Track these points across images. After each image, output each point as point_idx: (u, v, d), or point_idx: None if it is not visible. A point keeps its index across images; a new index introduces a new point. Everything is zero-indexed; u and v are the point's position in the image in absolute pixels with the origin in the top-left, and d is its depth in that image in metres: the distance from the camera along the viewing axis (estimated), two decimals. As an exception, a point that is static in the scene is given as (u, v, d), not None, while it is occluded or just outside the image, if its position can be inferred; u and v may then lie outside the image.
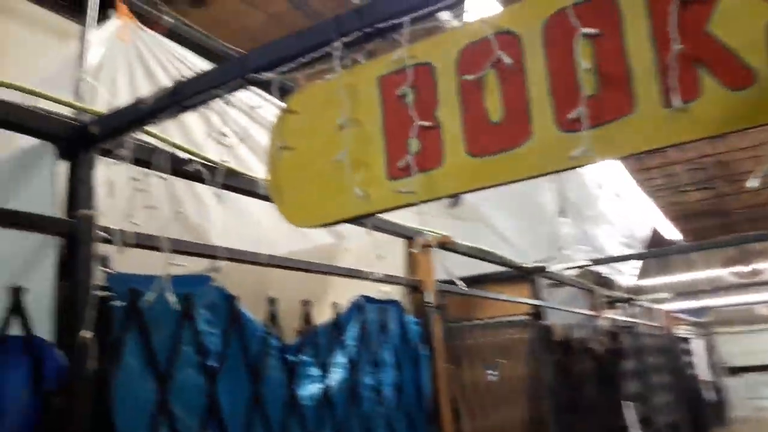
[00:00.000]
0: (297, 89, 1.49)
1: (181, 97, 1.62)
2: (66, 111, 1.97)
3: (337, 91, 1.40)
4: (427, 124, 1.32)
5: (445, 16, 1.35)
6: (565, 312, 5.08)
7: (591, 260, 4.94)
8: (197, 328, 1.95)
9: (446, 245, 3.26)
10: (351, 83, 1.41)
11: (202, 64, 2.98)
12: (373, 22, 1.34)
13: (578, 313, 5.48)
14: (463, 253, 3.52)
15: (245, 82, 1.51)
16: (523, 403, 4.16)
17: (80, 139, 1.78)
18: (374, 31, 1.35)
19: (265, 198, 2.24)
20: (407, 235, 3.09)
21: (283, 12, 7.06)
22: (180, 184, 2.60)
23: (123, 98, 2.47)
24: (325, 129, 1.43)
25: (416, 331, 2.94)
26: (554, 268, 4.66)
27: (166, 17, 5.62)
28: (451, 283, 3.35)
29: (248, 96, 2.41)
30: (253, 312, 2.19)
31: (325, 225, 1.45)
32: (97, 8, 2.38)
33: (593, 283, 6.03)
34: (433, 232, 3.23)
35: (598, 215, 4.92)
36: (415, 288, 3.08)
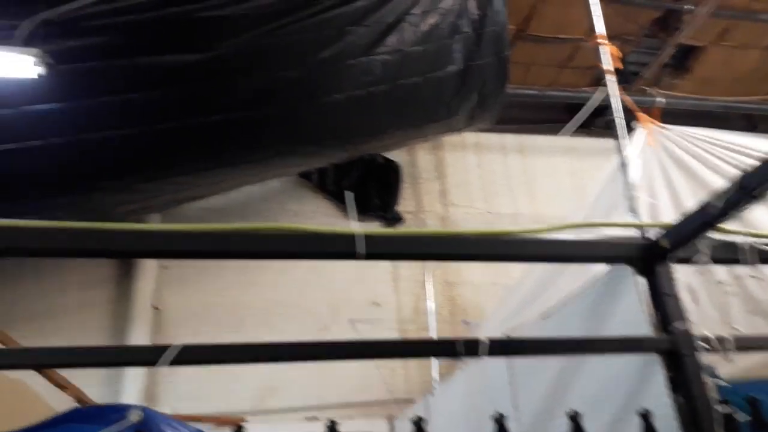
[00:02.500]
0: None
1: (750, 188, 1.52)
2: (619, 230, 2.10)
3: None
4: None
5: None
6: None
7: None
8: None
9: None
10: None
11: (726, 137, 2.79)
12: None
13: None
14: None
15: None
16: None
17: (653, 255, 1.84)
18: None
19: None
20: None
21: (782, 37, 6.09)
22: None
23: (663, 200, 2.49)
24: None
25: None
26: None
27: (657, 99, 5.61)
28: None
29: None
30: None
31: None
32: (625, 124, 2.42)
33: None
34: None
35: None
36: None
